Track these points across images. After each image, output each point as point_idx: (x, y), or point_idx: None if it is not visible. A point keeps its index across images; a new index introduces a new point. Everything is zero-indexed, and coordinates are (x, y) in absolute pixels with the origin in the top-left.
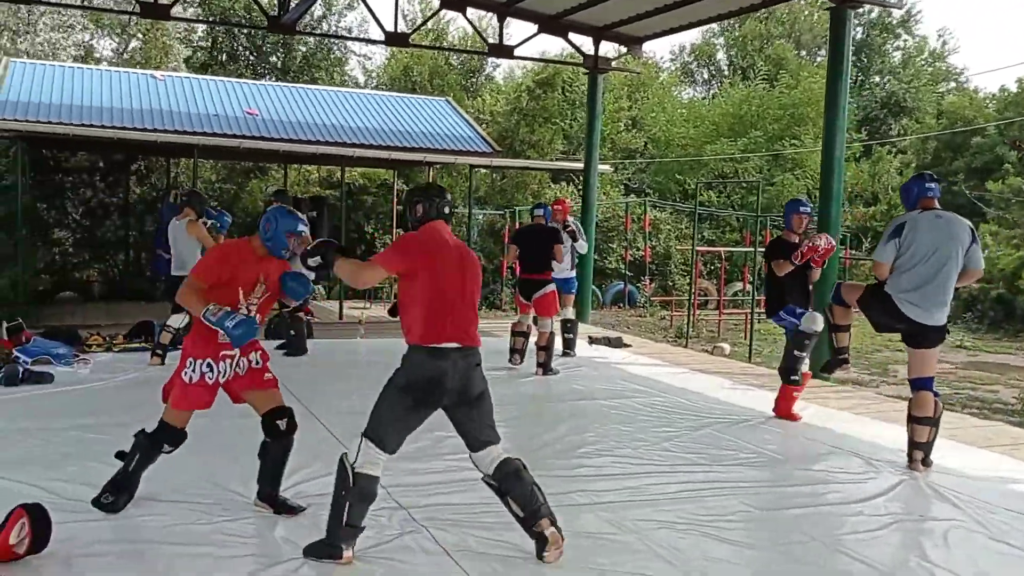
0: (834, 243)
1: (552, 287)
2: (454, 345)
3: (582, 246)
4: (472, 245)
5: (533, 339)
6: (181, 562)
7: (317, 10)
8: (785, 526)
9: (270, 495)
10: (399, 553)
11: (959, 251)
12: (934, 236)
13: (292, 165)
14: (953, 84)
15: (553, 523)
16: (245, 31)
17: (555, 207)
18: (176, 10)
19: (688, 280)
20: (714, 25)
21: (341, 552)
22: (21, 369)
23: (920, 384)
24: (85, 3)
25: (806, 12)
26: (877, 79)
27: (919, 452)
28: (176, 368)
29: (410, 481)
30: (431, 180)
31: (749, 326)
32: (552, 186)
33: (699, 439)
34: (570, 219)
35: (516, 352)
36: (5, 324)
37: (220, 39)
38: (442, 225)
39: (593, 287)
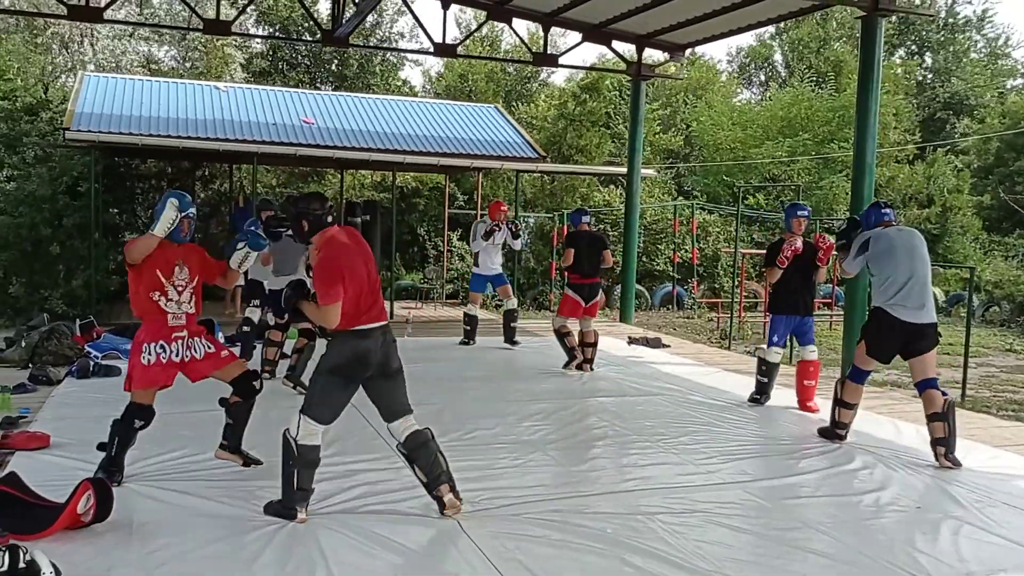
0: (831, 241)
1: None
2: (375, 325)
3: (517, 244)
4: (524, 247)
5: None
6: (223, 530)
7: (370, 19)
8: (784, 515)
9: (237, 448)
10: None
11: (925, 256)
12: (901, 246)
13: (347, 170)
14: (1020, 81)
15: (452, 489)
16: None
17: (494, 209)
18: (235, 25)
19: (735, 282)
20: (771, 28)
21: (295, 513)
22: (92, 363)
23: (926, 384)
24: (150, 21)
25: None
26: (947, 80)
27: (940, 447)
28: (130, 360)
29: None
30: (477, 185)
31: None
32: (601, 189)
33: (717, 435)
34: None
35: (586, 360)
36: (79, 321)
37: (280, 48)
38: (336, 230)
39: (642, 289)
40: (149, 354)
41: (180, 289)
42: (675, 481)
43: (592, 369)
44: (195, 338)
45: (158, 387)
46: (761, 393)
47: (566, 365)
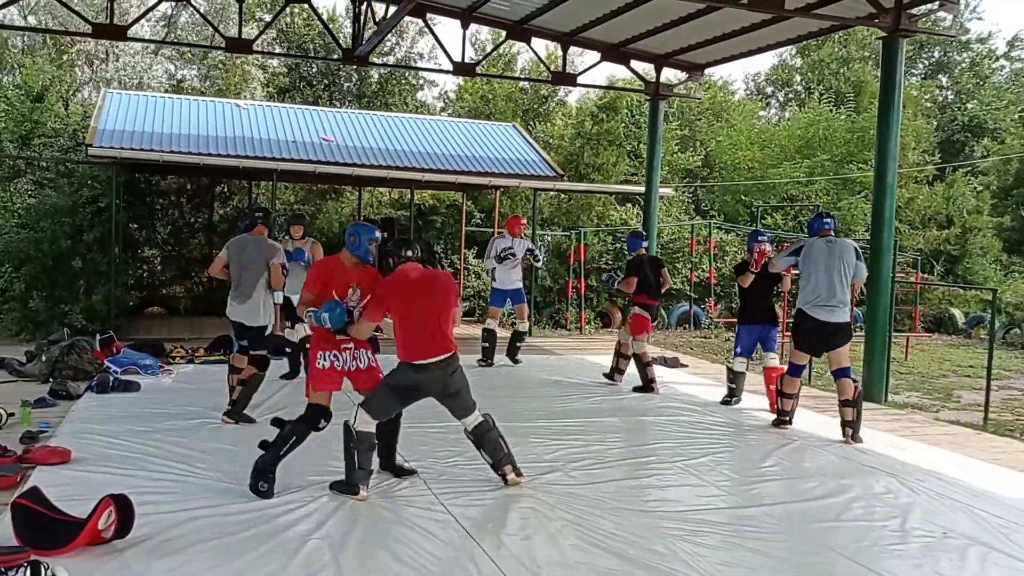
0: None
1: None
2: (432, 360)
3: (539, 264)
4: (543, 266)
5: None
6: (247, 547)
7: (390, 38)
8: (807, 539)
9: (389, 465)
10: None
11: (844, 266)
12: (824, 256)
13: (365, 187)
14: None
15: (514, 469)
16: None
17: (512, 224)
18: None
19: None
20: (791, 48)
21: (358, 490)
22: (112, 378)
23: (840, 373)
24: (174, 39)
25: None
26: (967, 102)
27: (848, 429)
28: (309, 366)
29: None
30: (494, 203)
31: None
32: (618, 208)
33: (737, 456)
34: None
35: (618, 371)
36: (99, 336)
37: (298, 66)
38: (410, 267)
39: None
40: (324, 360)
41: (352, 308)
42: (696, 503)
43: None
44: (360, 350)
45: (332, 390)
46: (731, 396)
47: (639, 389)
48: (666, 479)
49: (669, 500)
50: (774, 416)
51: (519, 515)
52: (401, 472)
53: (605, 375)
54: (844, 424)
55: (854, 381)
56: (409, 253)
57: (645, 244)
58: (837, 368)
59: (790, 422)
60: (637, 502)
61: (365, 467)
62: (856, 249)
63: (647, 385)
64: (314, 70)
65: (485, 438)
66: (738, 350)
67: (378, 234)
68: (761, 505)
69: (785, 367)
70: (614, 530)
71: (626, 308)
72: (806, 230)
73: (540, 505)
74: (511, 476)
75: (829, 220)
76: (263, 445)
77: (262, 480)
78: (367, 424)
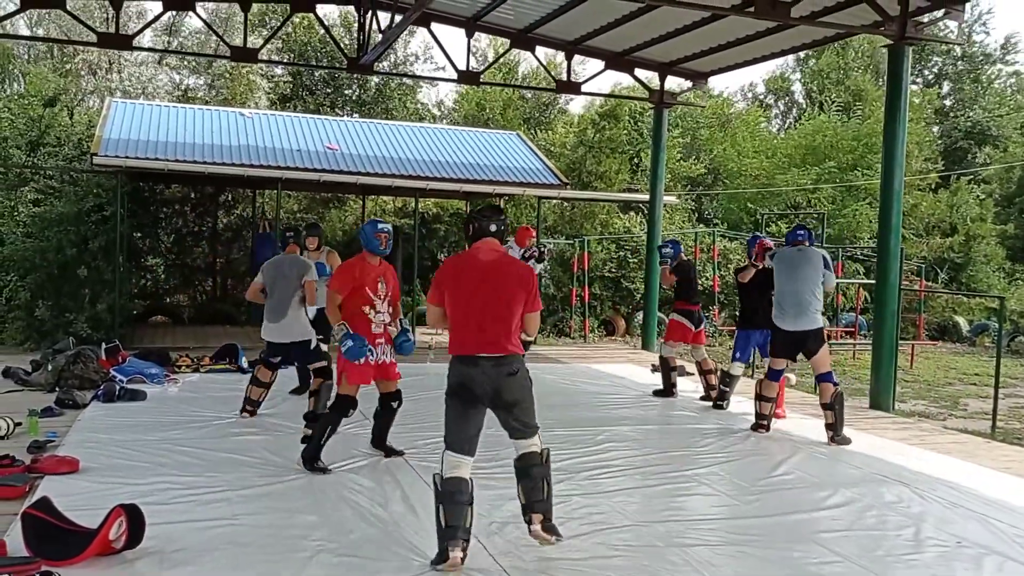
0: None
1: None
2: (483, 355)
3: (538, 268)
4: (542, 275)
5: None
6: (258, 557)
7: (399, 47)
8: (821, 548)
9: (380, 441)
10: None
11: (813, 274)
12: (793, 265)
13: (369, 196)
14: None
15: (544, 521)
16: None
17: (524, 235)
18: (261, 52)
19: None
20: (790, 58)
21: (447, 555)
22: (118, 387)
23: (822, 378)
24: (182, 49)
25: (882, 44)
26: (968, 110)
27: (829, 431)
28: (339, 361)
29: None
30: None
31: None
32: (621, 216)
33: (746, 464)
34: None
35: (710, 387)
36: (104, 345)
37: (299, 74)
38: (484, 243)
39: (663, 316)
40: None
41: (383, 299)
42: (709, 512)
43: (721, 405)
44: (386, 344)
45: (364, 383)
46: (721, 399)
47: (659, 393)
48: (678, 488)
49: (682, 509)
50: (754, 421)
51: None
52: (391, 452)
53: (704, 399)
54: (826, 426)
55: (835, 385)
56: (492, 227)
57: (679, 251)
58: (818, 373)
59: (768, 427)
60: (650, 511)
61: (454, 523)
62: (825, 257)
63: (668, 390)
64: (316, 77)
65: (530, 471)
66: (737, 355)
67: (383, 225)
68: (774, 515)
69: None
70: (630, 539)
71: (629, 316)
72: (786, 236)
73: (553, 515)
74: (536, 527)
75: (803, 232)
76: (305, 439)
77: (314, 465)
78: (455, 468)
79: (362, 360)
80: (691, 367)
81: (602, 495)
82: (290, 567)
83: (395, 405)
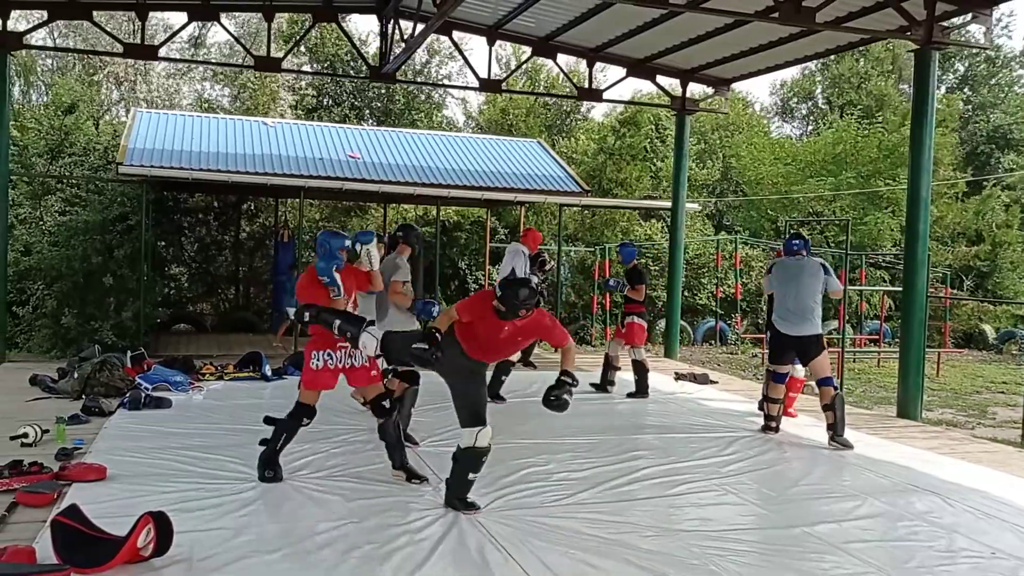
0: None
1: None
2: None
3: (534, 279)
4: (563, 282)
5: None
6: (285, 565)
7: (419, 55)
8: (852, 559)
9: (401, 465)
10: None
11: (813, 282)
12: (793, 274)
13: (390, 204)
14: None
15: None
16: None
17: (535, 238)
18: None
19: None
20: (812, 63)
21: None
22: (143, 395)
23: (822, 383)
24: (207, 59)
25: (908, 48)
26: (990, 114)
27: (830, 431)
28: (303, 366)
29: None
30: (519, 219)
31: (840, 363)
32: (642, 223)
33: (773, 473)
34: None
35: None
36: (130, 353)
37: (325, 85)
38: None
39: (684, 324)
40: (318, 360)
41: (342, 307)
42: (734, 522)
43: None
44: (357, 349)
45: (322, 389)
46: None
47: (632, 395)
48: (703, 497)
49: (708, 519)
50: (763, 422)
51: (554, 535)
52: (413, 476)
53: (594, 385)
54: (827, 426)
55: (835, 388)
56: (522, 312)
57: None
58: (819, 378)
59: (777, 428)
60: (674, 521)
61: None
62: (824, 265)
63: (641, 391)
64: (341, 87)
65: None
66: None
67: (347, 242)
68: (803, 525)
69: (803, 377)
70: (655, 548)
71: (651, 324)
72: (783, 247)
73: (575, 524)
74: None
75: (798, 243)
76: (263, 442)
77: (267, 469)
78: (484, 435)
79: (320, 365)
80: (714, 375)
81: (627, 503)
82: (318, 575)
83: (386, 403)
